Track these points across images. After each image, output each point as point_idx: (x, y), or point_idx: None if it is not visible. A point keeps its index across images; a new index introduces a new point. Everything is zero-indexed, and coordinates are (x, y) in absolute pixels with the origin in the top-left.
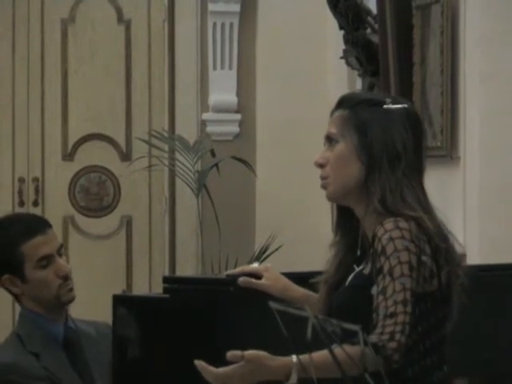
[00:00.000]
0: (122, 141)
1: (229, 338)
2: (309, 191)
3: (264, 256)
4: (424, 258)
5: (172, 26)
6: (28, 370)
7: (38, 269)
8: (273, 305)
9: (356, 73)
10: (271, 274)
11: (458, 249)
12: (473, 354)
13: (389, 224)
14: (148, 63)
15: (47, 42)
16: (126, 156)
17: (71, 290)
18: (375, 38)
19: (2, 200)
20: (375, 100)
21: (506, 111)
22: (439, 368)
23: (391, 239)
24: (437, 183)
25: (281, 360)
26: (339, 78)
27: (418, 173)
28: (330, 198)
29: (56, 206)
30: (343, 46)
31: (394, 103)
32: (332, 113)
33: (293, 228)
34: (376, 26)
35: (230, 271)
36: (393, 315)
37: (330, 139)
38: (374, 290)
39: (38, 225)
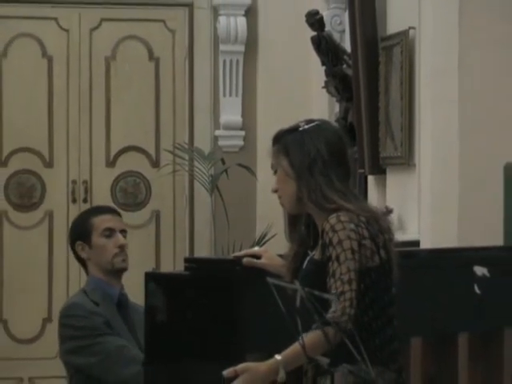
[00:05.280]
0: (152, 151)
1: (237, 304)
2: None
3: (263, 241)
4: (363, 241)
5: (191, 62)
6: (90, 309)
7: (102, 237)
8: (269, 280)
9: (334, 99)
10: (269, 255)
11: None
12: (426, 318)
13: (332, 219)
14: (173, 91)
15: (94, 75)
16: (155, 163)
17: (124, 260)
18: (350, 72)
19: (59, 198)
20: (292, 128)
21: (451, 129)
22: (390, 330)
23: (335, 232)
24: (397, 185)
25: (268, 363)
26: (321, 103)
27: (336, 168)
28: (289, 212)
29: (101, 203)
30: (324, 78)
31: (307, 124)
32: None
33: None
34: (350, 63)
35: (236, 253)
36: (341, 294)
37: (273, 170)
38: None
39: (109, 209)
